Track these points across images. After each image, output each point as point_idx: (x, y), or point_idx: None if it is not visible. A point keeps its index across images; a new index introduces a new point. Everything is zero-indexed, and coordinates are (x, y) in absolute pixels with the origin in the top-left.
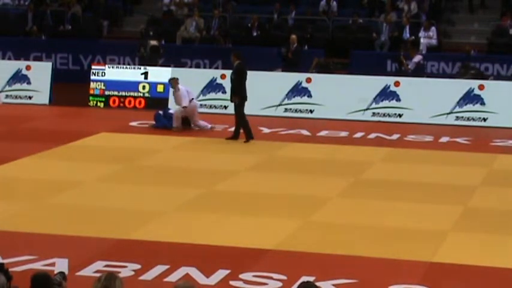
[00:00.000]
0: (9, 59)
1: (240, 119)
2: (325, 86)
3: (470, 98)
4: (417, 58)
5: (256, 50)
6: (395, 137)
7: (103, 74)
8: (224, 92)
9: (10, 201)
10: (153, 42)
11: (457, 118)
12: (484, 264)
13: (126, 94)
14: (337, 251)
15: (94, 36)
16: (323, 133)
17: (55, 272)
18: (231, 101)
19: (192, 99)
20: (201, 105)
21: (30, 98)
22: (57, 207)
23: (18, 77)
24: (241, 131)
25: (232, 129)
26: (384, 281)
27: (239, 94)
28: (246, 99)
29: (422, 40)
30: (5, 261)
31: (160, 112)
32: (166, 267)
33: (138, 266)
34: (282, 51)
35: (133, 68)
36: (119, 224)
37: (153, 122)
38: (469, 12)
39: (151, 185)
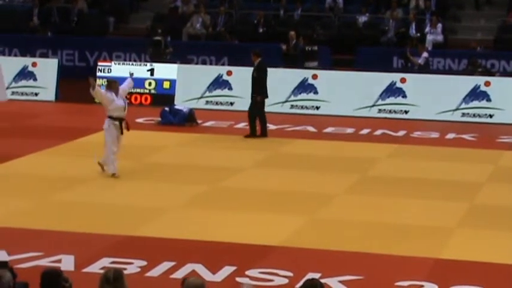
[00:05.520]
0: (16, 55)
1: (262, 115)
2: (331, 82)
3: (476, 94)
4: (425, 54)
5: (262, 46)
6: (401, 133)
7: (109, 70)
8: (230, 88)
9: (16, 197)
10: (156, 37)
11: (463, 115)
12: (490, 260)
13: (132, 91)
14: (343, 248)
15: (100, 32)
16: (329, 130)
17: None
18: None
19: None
20: (206, 102)
21: (36, 94)
22: (63, 204)
23: (24, 74)
24: (246, 126)
25: (238, 126)
26: (390, 278)
27: (262, 92)
28: (267, 97)
29: (428, 37)
30: (12, 257)
31: (167, 109)
32: (173, 263)
33: (144, 263)
34: (282, 48)
35: (140, 64)
36: (125, 220)
37: (159, 119)
38: (475, 9)
39: (157, 181)
